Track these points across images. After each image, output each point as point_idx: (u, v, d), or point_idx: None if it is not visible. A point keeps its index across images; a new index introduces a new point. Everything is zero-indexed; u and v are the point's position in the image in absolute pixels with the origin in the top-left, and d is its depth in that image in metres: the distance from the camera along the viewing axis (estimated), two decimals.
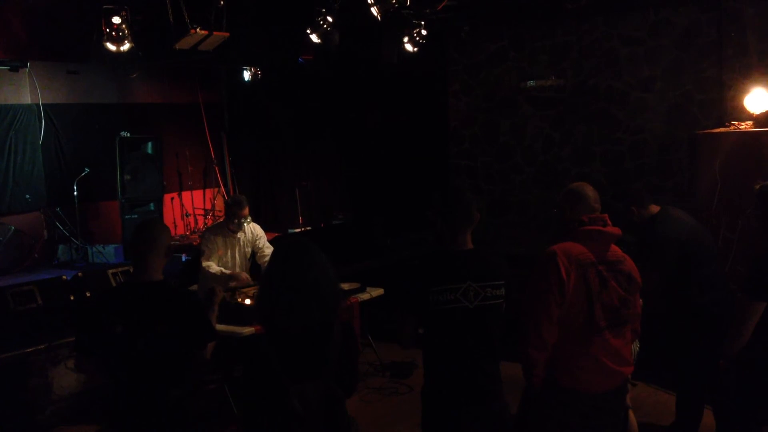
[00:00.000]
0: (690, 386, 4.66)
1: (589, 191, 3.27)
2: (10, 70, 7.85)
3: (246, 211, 5.81)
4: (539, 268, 3.10)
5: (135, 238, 3.23)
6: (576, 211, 3.21)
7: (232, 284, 5.70)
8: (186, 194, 9.64)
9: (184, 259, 7.93)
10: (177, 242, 8.85)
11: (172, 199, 9.48)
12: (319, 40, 7.43)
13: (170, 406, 3.09)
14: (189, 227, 9.57)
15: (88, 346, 3.17)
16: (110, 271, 6.45)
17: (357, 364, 2.71)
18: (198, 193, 9.99)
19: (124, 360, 3.07)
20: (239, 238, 5.97)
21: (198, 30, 6.50)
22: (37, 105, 8.28)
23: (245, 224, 5.89)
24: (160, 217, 8.76)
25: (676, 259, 4.36)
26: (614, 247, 3.21)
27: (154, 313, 3.06)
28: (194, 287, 6.25)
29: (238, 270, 5.94)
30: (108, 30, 6.27)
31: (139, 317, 3.04)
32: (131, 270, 6.59)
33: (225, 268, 5.88)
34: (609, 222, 3.19)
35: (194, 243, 8.81)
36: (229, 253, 5.94)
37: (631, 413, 3.81)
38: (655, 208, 4.52)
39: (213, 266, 5.77)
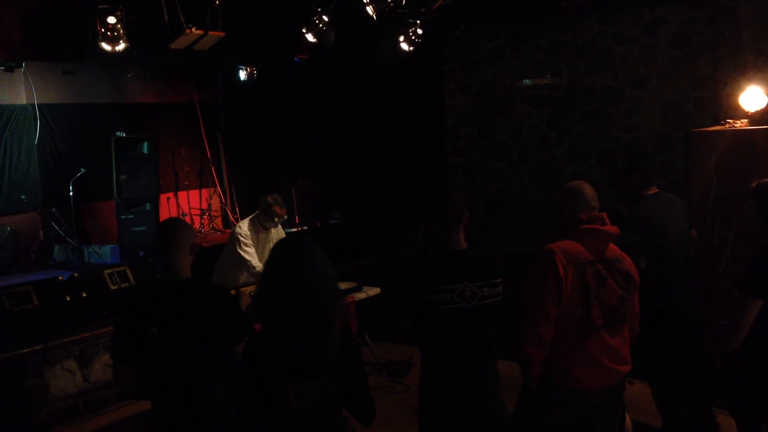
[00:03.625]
0: (656, 381, 4.69)
1: (587, 189, 3.27)
2: (5, 70, 7.82)
3: (284, 210, 6.13)
4: (537, 266, 3.11)
5: (158, 239, 3.20)
6: (574, 209, 3.21)
7: None
8: (182, 194, 9.63)
9: None
10: None
11: (168, 199, 9.46)
12: (314, 40, 7.43)
13: (211, 404, 3.06)
14: None
15: (125, 353, 3.11)
16: (106, 271, 6.44)
17: (369, 389, 2.66)
18: (194, 193, 9.97)
19: (161, 362, 3.03)
20: (269, 234, 6.20)
21: (193, 29, 6.49)
22: (33, 105, 8.25)
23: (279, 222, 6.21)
24: (156, 217, 8.74)
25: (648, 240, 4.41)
26: (612, 246, 3.21)
27: (186, 311, 3.02)
28: None
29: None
30: (103, 30, 6.26)
31: (172, 317, 3.01)
32: (127, 270, 6.59)
33: None
34: (607, 220, 3.19)
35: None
36: (260, 248, 6.10)
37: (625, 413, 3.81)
38: (653, 190, 4.60)
39: (257, 263, 5.94)
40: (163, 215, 9.20)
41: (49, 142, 8.51)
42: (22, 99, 8.21)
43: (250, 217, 6.26)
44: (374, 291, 6.13)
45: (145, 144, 8.85)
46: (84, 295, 6.12)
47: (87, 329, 5.79)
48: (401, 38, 7.84)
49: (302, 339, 2.51)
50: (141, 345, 3.02)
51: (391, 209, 9.29)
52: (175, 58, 7.53)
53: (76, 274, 6.33)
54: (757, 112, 5.61)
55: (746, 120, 5.68)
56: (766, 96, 5.49)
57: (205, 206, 10.01)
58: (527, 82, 8.37)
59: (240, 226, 6.13)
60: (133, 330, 3.04)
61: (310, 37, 7.40)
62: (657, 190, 4.62)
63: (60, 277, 6.24)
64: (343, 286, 5.83)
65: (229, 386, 3.15)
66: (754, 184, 3.78)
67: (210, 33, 6.64)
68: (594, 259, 3.11)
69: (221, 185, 10.39)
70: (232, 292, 5.35)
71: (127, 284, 6.38)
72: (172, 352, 3.00)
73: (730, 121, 5.81)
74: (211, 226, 9.85)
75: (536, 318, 3.05)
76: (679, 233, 4.63)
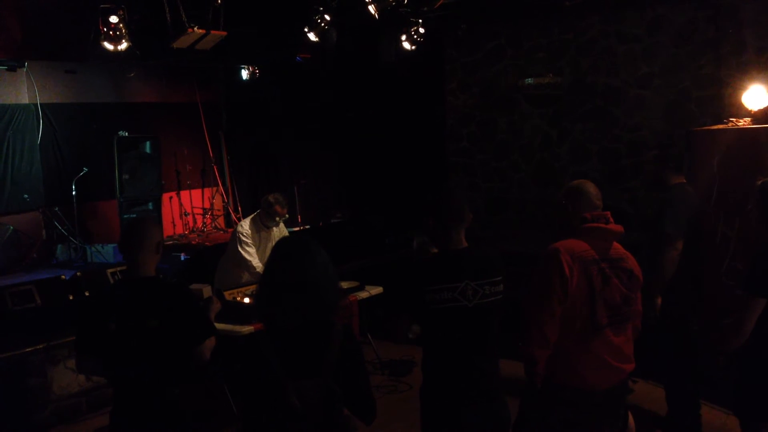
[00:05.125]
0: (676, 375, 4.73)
1: (591, 188, 3.26)
2: (7, 69, 7.84)
3: (286, 209, 6.14)
4: (542, 265, 3.10)
5: (124, 237, 3.26)
6: (578, 208, 3.21)
7: None
8: (184, 193, 9.64)
9: (183, 258, 7.93)
10: (176, 241, 8.85)
11: (171, 198, 9.48)
12: (316, 39, 7.43)
13: (167, 404, 3.09)
14: (188, 226, 9.57)
15: (85, 346, 3.16)
16: (109, 270, 6.44)
17: (370, 387, 2.67)
18: (196, 192, 9.98)
19: (118, 357, 3.07)
20: (272, 233, 6.19)
21: (195, 29, 6.50)
22: (35, 105, 8.27)
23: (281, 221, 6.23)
24: (158, 216, 8.75)
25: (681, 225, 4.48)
26: (616, 245, 3.21)
27: (145, 309, 3.06)
28: (199, 286, 6.29)
29: None
30: (105, 29, 6.27)
31: (131, 313, 3.04)
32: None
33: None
34: (611, 219, 3.18)
35: (193, 242, 8.81)
36: (262, 247, 6.11)
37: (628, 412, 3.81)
38: (681, 179, 4.69)
39: (257, 263, 5.95)
40: (166, 214, 9.23)
41: (51, 141, 8.53)
42: (24, 98, 8.23)
43: (252, 216, 6.26)
44: (376, 290, 6.12)
45: (148, 143, 8.88)
46: (87, 294, 6.12)
47: None
48: (403, 37, 7.84)
49: (303, 338, 2.51)
50: (101, 340, 3.06)
51: (393, 208, 9.28)
52: (177, 57, 7.54)
53: (78, 273, 6.34)
54: (759, 110, 5.60)
55: (749, 119, 5.67)
56: None
57: (207, 205, 10.02)
58: (529, 81, 8.35)
59: (241, 225, 6.14)
60: (93, 324, 3.09)
61: (312, 37, 7.40)
62: (684, 180, 4.71)
63: (63, 276, 6.25)
64: (345, 285, 5.84)
65: (187, 386, 3.18)
66: (759, 182, 3.76)
67: (212, 32, 6.65)
68: (599, 258, 3.10)
69: (223, 184, 10.40)
70: (231, 295, 5.38)
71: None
72: (129, 348, 3.04)
73: (733, 119, 5.80)
74: (213, 225, 9.87)
75: (541, 317, 3.04)
76: (696, 224, 4.67)
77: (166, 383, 3.11)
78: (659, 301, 4.48)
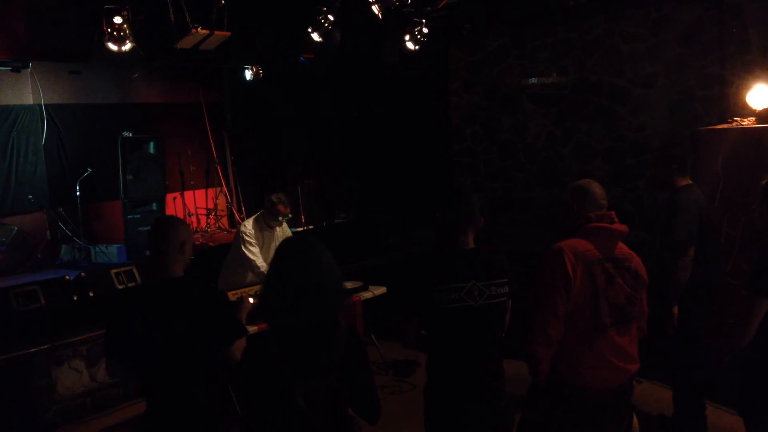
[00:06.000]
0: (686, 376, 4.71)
1: (596, 188, 3.26)
2: (12, 70, 7.86)
3: (289, 209, 6.11)
4: (546, 264, 3.09)
5: (149, 237, 3.20)
6: (583, 207, 3.20)
7: None
8: (188, 194, 9.65)
9: None
10: None
11: (175, 198, 9.49)
12: (320, 39, 7.44)
13: (199, 405, 3.06)
14: (192, 227, 9.59)
15: (114, 349, 3.13)
16: (113, 270, 6.45)
17: (374, 387, 2.66)
18: (200, 193, 10.00)
19: (147, 360, 3.04)
20: (275, 233, 6.19)
21: (199, 29, 6.51)
22: (39, 105, 8.30)
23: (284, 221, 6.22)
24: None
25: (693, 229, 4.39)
26: (621, 245, 3.20)
27: (173, 311, 3.01)
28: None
29: None
30: (109, 30, 6.28)
31: (159, 315, 3.01)
32: (133, 270, 6.62)
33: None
34: (616, 219, 3.18)
35: (197, 243, 8.82)
36: (265, 247, 6.12)
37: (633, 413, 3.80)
38: (687, 180, 4.56)
39: (261, 262, 5.96)
40: (170, 215, 9.23)
41: (55, 142, 8.55)
42: (29, 99, 8.26)
43: (255, 216, 6.27)
44: (380, 290, 6.12)
45: (152, 144, 8.89)
46: (91, 294, 6.13)
47: (94, 329, 5.80)
48: (407, 37, 7.85)
49: (308, 338, 2.51)
50: (129, 344, 3.02)
51: (396, 208, 9.29)
52: (181, 57, 7.56)
53: (83, 274, 6.34)
54: (764, 110, 5.59)
55: (753, 118, 5.66)
56: None
57: (211, 206, 10.03)
58: (533, 80, 8.35)
59: (245, 225, 6.15)
60: (121, 328, 3.06)
61: (315, 37, 7.41)
62: (691, 181, 4.57)
63: (67, 277, 6.25)
64: (349, 285, 5.84)
65: (219, 387, 3.15)
66: (763, 182, 3.76)
67: (216, 33, 6.66)
68: (603, 258, 3.10)
69: (227, 184, 10.42)
70: (237, 295, 5.38)
71: (133, 284, 6.40)
72: (158, 352, 2.99)
73: (737, 119, 5.79)
74: (217, 225, 9.88)
75: (545, 316, 3.04)
76: (705, 226, 4.62)
77: (197, 384, 3.07)
78: (676, 310, 4.43)
